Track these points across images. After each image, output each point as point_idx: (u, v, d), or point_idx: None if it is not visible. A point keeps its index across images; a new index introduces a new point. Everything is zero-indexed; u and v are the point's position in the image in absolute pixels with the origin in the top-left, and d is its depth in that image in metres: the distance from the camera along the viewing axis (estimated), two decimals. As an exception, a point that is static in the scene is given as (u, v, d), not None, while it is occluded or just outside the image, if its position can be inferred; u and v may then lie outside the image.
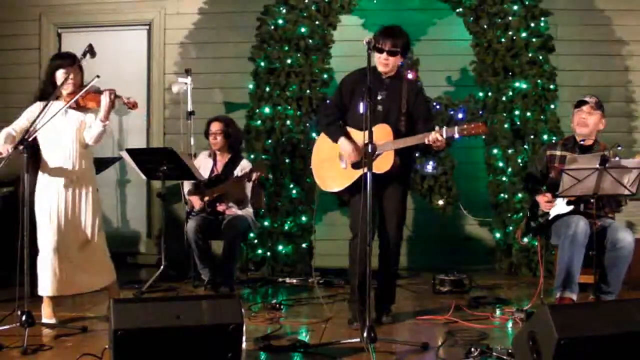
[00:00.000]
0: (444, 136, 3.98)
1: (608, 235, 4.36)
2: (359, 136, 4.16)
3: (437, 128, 4.01)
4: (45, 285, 4.20)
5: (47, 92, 4.21)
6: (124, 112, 6.80)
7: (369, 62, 3.95)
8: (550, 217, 4.54)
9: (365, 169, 3.78)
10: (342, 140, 4.25)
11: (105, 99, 4.17)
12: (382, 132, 4.10)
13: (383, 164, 4.10)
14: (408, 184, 4.56)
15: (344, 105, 4.36)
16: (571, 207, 4.46)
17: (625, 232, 4.35)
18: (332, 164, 4.34)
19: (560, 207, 4.50)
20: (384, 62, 4.23)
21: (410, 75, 6.10)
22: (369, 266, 3.77)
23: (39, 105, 4.20)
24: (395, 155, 4.14)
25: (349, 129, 4.30)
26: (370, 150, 3.72)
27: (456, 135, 4.01)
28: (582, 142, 4.60)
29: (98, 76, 4.03)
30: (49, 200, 4.25)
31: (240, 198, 5.44)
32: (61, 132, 4.26)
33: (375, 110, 4.19)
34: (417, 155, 6.03)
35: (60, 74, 4.24)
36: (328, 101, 4.58)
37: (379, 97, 4.23)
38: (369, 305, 3.73)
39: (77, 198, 4.30)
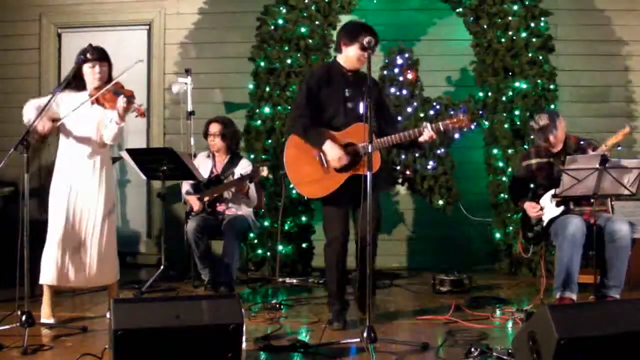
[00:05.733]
0: (435, 133, 4.07)
1: (605, 229, 4.41)
2: (337, 136, 4.15)
3: (428, 126, 4.07)
4: (47, 274, 4.20)
5: (70, 84, 4.22)
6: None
7: (369, 62, 3.93)
8: (544, 224, 4.58)
9: (354, 171, 3.91)
10: (328, 144, 4.09)
11: (119, 103, 4.17)
12: (362, 131, 3.97)
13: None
14: (389, 184, 4.54)
15: (314, 105, 4.20)
16: (561, 208, 4.50)
17: (621, 223, 4.40)
18: (311, 167, 4.18)
19: (551, 210, 4.53)
20: (364, 60, 4.08)
21: (410, 76, 6.11)
22: (369, 266, 3.76)
23: (64, 94, 4.22)
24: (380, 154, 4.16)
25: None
26: (367, 151, 3.71)
27: (441, 129, 4.10)
28: (551, 149, 4.73)
29: (141, 60, 4.15)
30: (63, 191, 4.26)
31: (245, 199, 5.44)
32: (83, 123, 4.28)
33: (346, 108, 4.18)
34: (417, 155, 6.07)
35: (86, 68, 4.25)
36: (296, 103, 4.35)
37: (347, 94, 4.18)
38: (369, 306, 3.71)
39: (91, 192, 4.30)
